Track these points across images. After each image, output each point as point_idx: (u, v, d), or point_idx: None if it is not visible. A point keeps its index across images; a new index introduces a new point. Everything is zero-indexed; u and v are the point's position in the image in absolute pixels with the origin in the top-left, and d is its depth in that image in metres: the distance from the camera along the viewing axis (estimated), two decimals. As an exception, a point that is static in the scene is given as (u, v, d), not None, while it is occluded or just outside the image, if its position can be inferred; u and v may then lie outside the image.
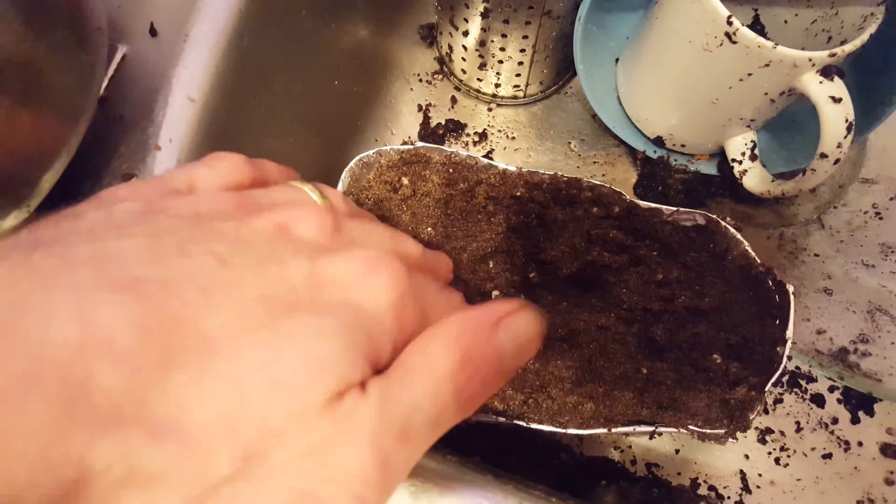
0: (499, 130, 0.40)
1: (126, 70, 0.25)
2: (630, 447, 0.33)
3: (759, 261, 0.30)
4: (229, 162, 0.19)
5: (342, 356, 0.14)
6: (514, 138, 0.40)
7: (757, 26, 0.38)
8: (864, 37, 0.29)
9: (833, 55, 0.28)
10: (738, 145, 0.35)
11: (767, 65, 0.29)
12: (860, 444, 0.32)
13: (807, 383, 0.33)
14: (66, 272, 0.13)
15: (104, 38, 0.21)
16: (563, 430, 0.27)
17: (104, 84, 0.24)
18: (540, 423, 0.27)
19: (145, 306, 0.13)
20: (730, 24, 0.28)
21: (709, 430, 0.27)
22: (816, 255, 0.35)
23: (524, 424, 0.27)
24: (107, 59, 0.23)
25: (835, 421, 0.32)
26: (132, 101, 0.24)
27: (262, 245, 0.16)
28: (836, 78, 0.29)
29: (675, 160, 0.38)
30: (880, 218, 0.36)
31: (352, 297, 0.15)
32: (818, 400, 0.33)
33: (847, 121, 0.29)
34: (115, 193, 0.17)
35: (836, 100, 0.29)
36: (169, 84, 0.24)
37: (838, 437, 0.32)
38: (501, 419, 0.28)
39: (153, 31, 0.26)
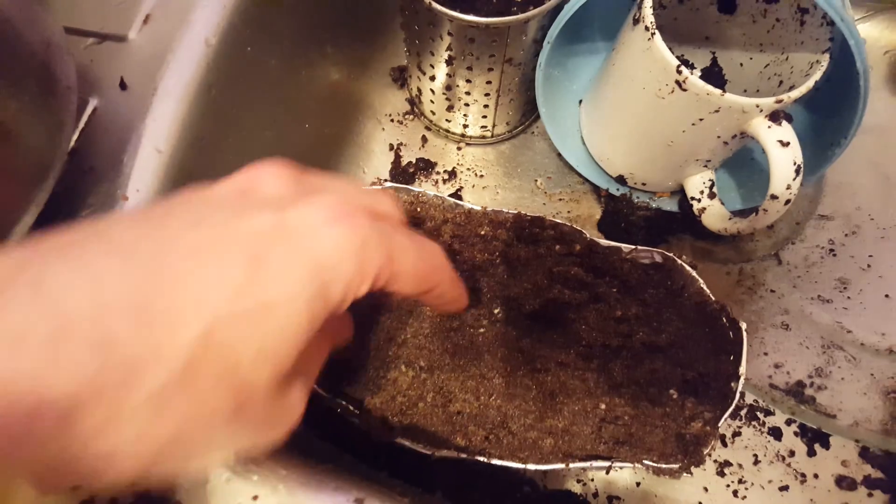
0: (468, 168, 0.41)
1: (97, 122, 0.26)
2: (592, 480, 0.33)
3: (713, 298, 0.31)
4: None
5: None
6: (482, 176, 0.41)
7: (715, 68, 0.39)
8: (810, 83, 0.30)
9: (780, 101, 0.30)
10: (697, 184, 0.37)
11: (717, 111, 0.30)
12: (816, 476, 0.33)
13: (765, 416, 0.34)
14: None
15: (74, 95, 0.23)
16: (523, 466, 0.28)
17: (75, 137, 0.25)
18: (501, 458, 0.28)
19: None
20: (679, 72, 0.30)
21: (664, 465, 0.28)
22: (773, 290, 0.36)
23: (485, 460, 0.28)
24: (77, 113, 0.24)
25: (792, 454, 0.33)
26: (102, 152, 0.25)
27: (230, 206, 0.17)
28: (784, 122, 0.30)
29: (638, 197, 0.39)
30: (834, 255, 0.37)
31: (313, 246, 0.16)
32: (776, 433, 0.33)
33: (795, 164, 0.30)
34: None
35: (784, 143, 0.30)
36: (138, 136, 0.25)
37: (795, 470, 0.33)
38: (463, 455, 0.28)
39: (123, 85, 0.27)
